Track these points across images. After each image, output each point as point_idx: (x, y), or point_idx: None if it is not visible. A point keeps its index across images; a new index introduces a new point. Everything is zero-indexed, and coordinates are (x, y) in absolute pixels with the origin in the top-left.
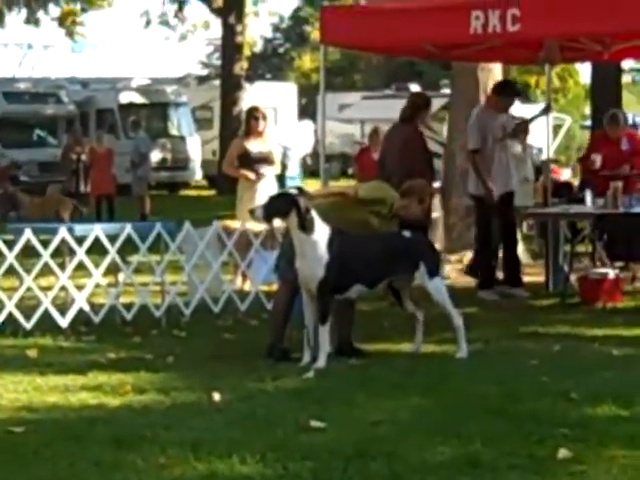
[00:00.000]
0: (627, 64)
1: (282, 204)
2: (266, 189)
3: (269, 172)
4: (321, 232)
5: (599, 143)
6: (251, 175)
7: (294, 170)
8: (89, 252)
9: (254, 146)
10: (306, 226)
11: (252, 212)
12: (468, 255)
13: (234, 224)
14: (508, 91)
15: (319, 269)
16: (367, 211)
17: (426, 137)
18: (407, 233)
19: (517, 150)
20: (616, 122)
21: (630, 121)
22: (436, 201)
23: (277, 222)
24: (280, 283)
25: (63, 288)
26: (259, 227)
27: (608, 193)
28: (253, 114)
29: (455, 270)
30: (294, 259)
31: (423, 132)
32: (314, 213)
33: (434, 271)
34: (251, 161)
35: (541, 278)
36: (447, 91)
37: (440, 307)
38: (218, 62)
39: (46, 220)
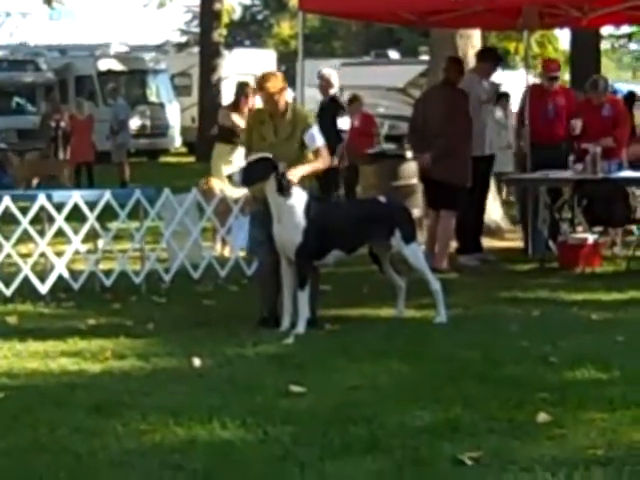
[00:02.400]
0: (606, 30)
1: (261, 168)
2: (241, 158)
3: None
4: (298, 197)
5: (581, 109)
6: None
7: None
8: (68, 219)
9: (240, 121)
10: (284, 190)
11: (230, 177)
12: None
13: (216, 183)
14: (489, 57)
15: (297, 234)
16: None
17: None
18: (383, 199)
19: (498, 116)
20: (596, 88)
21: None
22: (414, 167)
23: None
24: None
25: (42, 255)
26: (238, 193)
27: (587, 159)
28: (244, 91)
29: None
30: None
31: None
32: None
33: (410, 237)
34: (234, 135)
35: (520, 243)
36: (426, 58)
37: (418, 272)
38: (197, 29)
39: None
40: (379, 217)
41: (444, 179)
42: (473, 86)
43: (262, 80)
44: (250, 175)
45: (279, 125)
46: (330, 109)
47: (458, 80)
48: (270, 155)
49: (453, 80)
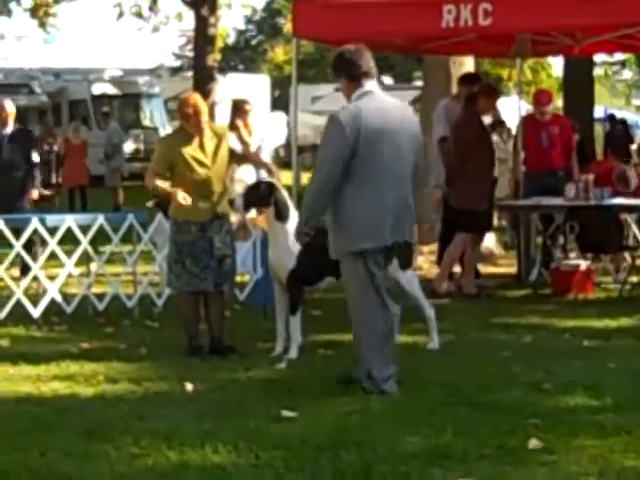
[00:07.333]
0: (600, 57)
1: (262, 194)
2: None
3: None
4: (295, 223)
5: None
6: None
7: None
8: (61, 243)
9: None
10: (283, 215)
11: (231, 202)
12: None
13: None
14: (470, 81)
15: (290, 259)
16: None
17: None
18: None
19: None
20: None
21: (602, 114)
22: None
23: (252, 213)
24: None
25: (35, 278)
26: (232, 218)
27: (579, 185)
28: (242, 108)
29: (427, 261)
30: (191, 264)
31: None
32: (290, 203)
33: (406, 264)
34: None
35: (513, 270)
36: (419, 84)
37: (412, 299)
38: (191, 54)
39: None
40: None
41: (453, 203)
42: (455, 112)
43: (196, 101)
44: (251, 200)
45: (204, 142)
46: (21, 140)
47: (473, 102)
48: (273, 180)
49: (466, 102)
